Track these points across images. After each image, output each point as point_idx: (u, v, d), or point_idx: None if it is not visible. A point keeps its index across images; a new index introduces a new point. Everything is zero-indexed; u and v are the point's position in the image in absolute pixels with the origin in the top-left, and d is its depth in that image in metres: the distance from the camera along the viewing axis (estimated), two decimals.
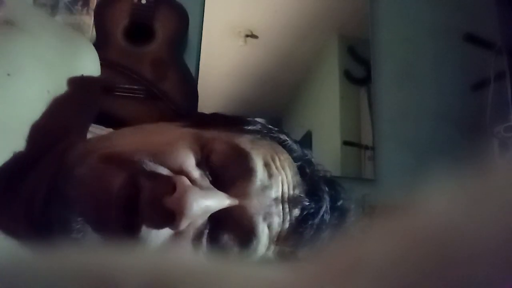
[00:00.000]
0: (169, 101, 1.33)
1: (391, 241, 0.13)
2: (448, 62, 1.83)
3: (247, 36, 1.67)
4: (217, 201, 0.40)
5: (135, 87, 1.33)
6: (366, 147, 1.66)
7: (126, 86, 1.32)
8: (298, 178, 0.47)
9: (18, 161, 0.40)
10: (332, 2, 1.79)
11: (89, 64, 0.47)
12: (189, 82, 1.47)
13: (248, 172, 0.42)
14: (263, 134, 0.48)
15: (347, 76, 1.73)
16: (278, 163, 0.45)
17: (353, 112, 1.71)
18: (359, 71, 1.74)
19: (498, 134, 1.67)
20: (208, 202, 0.39)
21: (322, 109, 1.71)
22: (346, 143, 1.66)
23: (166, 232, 0.38)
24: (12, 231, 0.38)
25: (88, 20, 1.55)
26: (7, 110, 0.34)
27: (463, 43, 1.86)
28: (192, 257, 0.40)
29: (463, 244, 0.12)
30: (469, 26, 1.87)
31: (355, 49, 1.77)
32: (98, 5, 1.50)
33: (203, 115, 0.53)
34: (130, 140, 0.43)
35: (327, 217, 0.47)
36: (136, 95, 1.32)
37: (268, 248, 0.43)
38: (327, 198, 0.48)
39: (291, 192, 0.44)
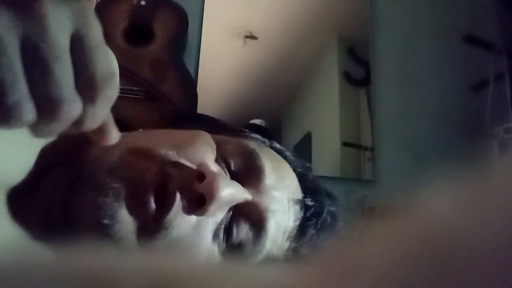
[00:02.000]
0: (168, 102, 1.33)
1: (391, 242, 0.13)
2: (447, 63, 1.83)
3: (246, 37, 1.67)
4: (240, 192, 0.42)
5: (135, 88, 1.33)
6: (366, 148, 1.67)
7: (126, 87, 1.32)
8: (299, 184, 0.50)
9: (40, 162, 0.41)
10: (332, 3, 1.79)
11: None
12: (189, 83, 1.47)
13: (258, 171, 0.45)
14: (265, 144, 0.52)
15: (347, 77, 1.73)
16: (283, 169, 0.48)
17: (353, 113, 1.71)
18: (358, 72, 1.75)
19: (497, 135, 1.68)
20: (235, 190, 0.42)
21: (322, 110, 1.71)
22: (345, 144, 1.66)
23: (189, 220, 0.40)
24: (29, 230, 0.39)
25: None
26: None
27: (463, 44, 1.86)
28: (205, 249, 0.41)
29: (463, 245, 0.12)
30: (468, 27, 1.88)
31: (355, 50, 1.77)
32: (97, 6, 1.51)
33: (207, 120, 0.56)
34: (148, 138, 0.45)
35: (328, 218, 0.50)
36: (136, 96, 1.32)
37: (275, 244, 0.45)
38: (327, 201, 0.51)
39: (296, 195, 0.48)
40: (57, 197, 0.40)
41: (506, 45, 1.80)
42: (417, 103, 1.76)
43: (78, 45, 0.28)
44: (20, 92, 0.27)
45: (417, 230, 0.13)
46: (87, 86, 0.29)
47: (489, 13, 1.92)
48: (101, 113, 0.31)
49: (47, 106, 0.28)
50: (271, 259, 0.45)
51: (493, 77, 1.76)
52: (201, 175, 0.40)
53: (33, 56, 0.27)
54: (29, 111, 0.27)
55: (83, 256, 0.16)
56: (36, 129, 0.29)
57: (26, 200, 0.41)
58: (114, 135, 0.34)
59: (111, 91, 0.30)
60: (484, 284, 0.11)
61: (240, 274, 0.16)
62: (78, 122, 0.30)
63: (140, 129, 0.52)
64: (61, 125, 0.29)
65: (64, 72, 0.28)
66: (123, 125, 0.52)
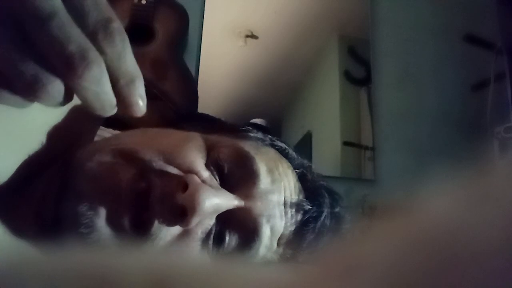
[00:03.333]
0: (169, 101, 1.33)
1: (391, 242, 0.13)
2: (448, 62, 1.83)
3: (247, 36, 1.67)
4: (227, 200, 0.41)
5: None
6: (366, 148, 1.67)
7: None
8: (299, 184, 0.48)
9: (31, 163, 0.40)
10: (332, 3, 1.79)
11: None
12: (189, 83, 1.47)
13: (252, 175, 0.43)
14: (265, 142, 0.50)
15: (347, 76, 1.73)
16: (280, 170, 0.46)
17: (353, 113, 1.71)
18: (359, 71, 1.75)
19: (498, 135, 1.68)
20: (219, 200, 0.40)
21: (322, 110, 1.71)
22: (346, 143, 1.66)
23: (175, 230, 0.39)
24: (21, 232, 0.38)
25: None
26: (27, 114, 0.35)
27: (463, 43, 1.86)
28: (194, 257, 0.40)
29: (463, 244, 0.12)
30: (469, 27, 1.88)
31: (355, 50, 1.77)
32: None
33: (206, 119, 0.54)
34: (139, 140, 0.43)
35: (327, 221, 0.48)
36: None
37: (269, 250, 0.44)
38: (327, 203, 0.49)
39: (294, 197, 0.46)
40: (50, 198, 0.39)
41: (506, 45, 1.80)
42: (417, 103, 1.76)
43: None
44: (30, 67, 0.26)
45: (418, 230, 0.13)
46: (90, 37, 0.28)
47: (490, 12, 1.92)
48: (124, 58, 0.30)
49: (64, 66, 0.27)
50: (267, 262, 0.44)
51: (493, 76, 1.76)
52: (184, 184, 0.38)
53: (27, 27, 0.26)
54: (50, 81, 0.27)
55: (80, 256, 0.16)
56: (80, 94, 0.28)
57: (16, 199, 0.40)
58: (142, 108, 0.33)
59: (113, 36, 0.29)
60: (485, 284, 0.11)
61: (240, 274, 0.16)
62: (112, 74, 0.29)
63: (141, 128, 0.51)
64: (98, 80, 0.28)
65: (63, 28, 0.27)
66: (123, 124, 0.51)
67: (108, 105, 0.30)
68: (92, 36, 0.28)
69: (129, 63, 0.30)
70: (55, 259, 0.16)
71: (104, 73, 0.28)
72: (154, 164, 0.39)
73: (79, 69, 0.27)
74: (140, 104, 0.32)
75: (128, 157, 0.40)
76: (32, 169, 0.41)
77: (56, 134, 0.41)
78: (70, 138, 0.43)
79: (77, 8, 0.28)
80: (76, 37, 0.27)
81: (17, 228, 0.38)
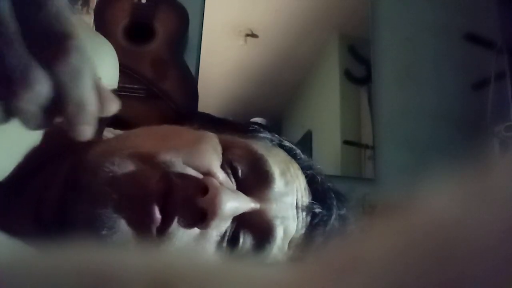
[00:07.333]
0: (169, 100, 1.33)
1: (391, 240, 0.13)
2: (448, 61, 1.83)
3: (247, 35, 1.67)
4: (244, 203, 0.41)
5: (136, 86, 1.33)
6: (366, 147, 1.66)
7: (127, 85, 1.32)
8: (308, 187, 0.48)
9: (28, 161, 0.40)
10: (333, 2, 1.79)
11: (108, 68, 0.46)
12: (189, 81, 1.47)
13: (267, 178, 0.44)
14: (274, 142, 0.50)
15: (348, 75, 1.73)
16: (292, 172, 0.46)
17: (353, 112, 1.71)
18: (359, 70, 1.74)
19: (498, 134, 1.68)
20: (238, 204, 0.40)
21: (322, 109, 1.71)
22: (346, 142, 1.66)
23: (192, 231, 0.39)
24: (16, 231, 0.38)
25: (88, 19, 1.55)
26: None
27: (464, 42, 1.86)
28: (199, 257, 0.40)
29: (462, 243, 0.12)
30: (469, 26, 1.87)
31: (356, 49, 1.77)
32: (98, 5, 1.50)
33: (213, 119, 0.54)
34: (151, 142, 0.43)
35: (336, 224, 0.48)
36: (137, 95, 1.33)
37: (281, 251, 0.44)
38: (335, 206, 0.49)
39: (304, 199, 0.46)
40: (52, 199, 0.39)
41: (507, 44, 1.80)
42: (418, 102, 1.76)
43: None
44: None
45: (418, 228, 0.13)
46: (38, 52, 0.24)
47: (490, 11, 1.92)
48: (76, 81, 0.25)
49: (0, 83, 0.23)
50: (274, 263, 0.44)
51: (494, 75, 1.76)
52: (204, 187, 0.39)
53: None
54: None
55: (81, 254, 0.16)
56: (15, 113, 0.24)
57: (12, 198, 0.39)
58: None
59: (67, 55, 0.24)
60: (484, 281, 0.11)
61: (240, 272, 0.16)
62: (61, 97, 0.25)
63: (149, 127, 0.50)
64: (36, 103, 0.24)
65: (3, 40, 0.23)
66: (124, 124, 0.51)
67: (43, 126, 0.26)
68: (42, 52, 0.24)
69: (82, 88, 0.26)
70: (54, 258, 0.16)
71: (45, 95, 0.25)
72: (174, 166, 0.39)
73: (16, 88, 0.23)
74: (87, 132, 0.28)
75: (149, 161, 0.39)
76: (29, 167, 0.40)
77: (53, 131, 0.40)
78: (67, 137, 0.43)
79: (31, 18, 0.24)
80: (18, 51, 0.23)
81: (12, 227, 0.38)
